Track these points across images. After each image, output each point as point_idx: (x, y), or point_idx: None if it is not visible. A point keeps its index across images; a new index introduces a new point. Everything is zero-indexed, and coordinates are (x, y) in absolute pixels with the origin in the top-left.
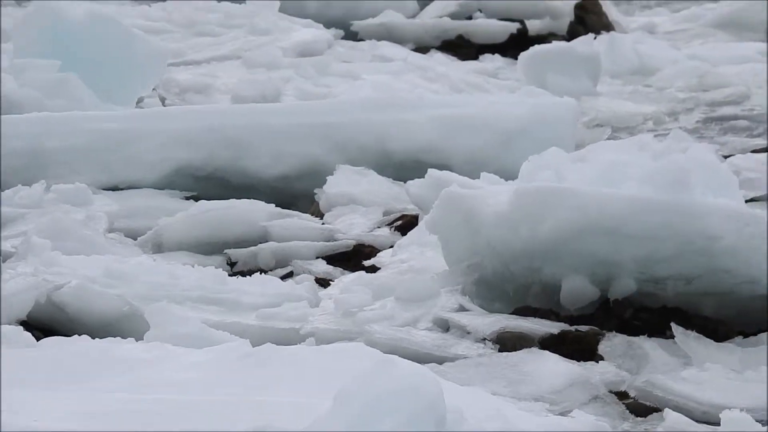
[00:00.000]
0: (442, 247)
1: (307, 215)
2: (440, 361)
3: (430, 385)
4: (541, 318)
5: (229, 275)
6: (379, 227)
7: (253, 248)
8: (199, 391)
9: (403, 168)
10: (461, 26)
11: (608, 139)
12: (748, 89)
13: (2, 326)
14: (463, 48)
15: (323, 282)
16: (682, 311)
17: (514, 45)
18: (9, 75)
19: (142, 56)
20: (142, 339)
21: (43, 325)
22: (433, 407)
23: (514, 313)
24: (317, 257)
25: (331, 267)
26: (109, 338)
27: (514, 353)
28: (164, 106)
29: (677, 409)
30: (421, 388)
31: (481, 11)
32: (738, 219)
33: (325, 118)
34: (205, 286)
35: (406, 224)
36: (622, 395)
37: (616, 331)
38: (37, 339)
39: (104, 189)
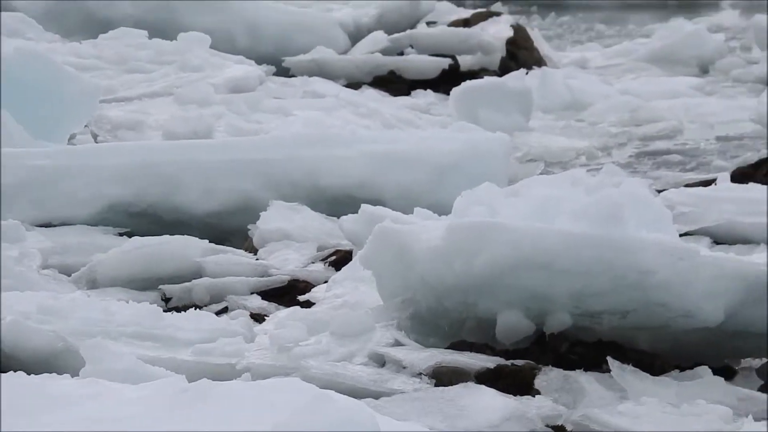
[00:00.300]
0: (376, 282)
1: (241, 251)
2: (376, 395)
3: (367, 420)
4: (477, 352)
5: (164, 311)
6: (313, 262)
7: (187, 284)
8: (137, 427)
9: (337, 203)
10: (393, 62)
11: (541, 174)
12: (680, 123)
13: None
14: (394, 84)
15: (258, 317)
16: (618, 345)
17: (446, 80)
18: None
19: (74, 93)
20: (78, 375)
21: None
22: None
23: (449, 347)
24: (252, 293)
25: (265, 302)
26: (44, 374)
27: (450, 388)
28: (96, 142)
29: None
30: (358, 423)
31: (412, 47)
32: (672, 253)
33: (258, 154)
34: (140, 321)
35: (340, 259)
36: (559, 429)
37: (552, 365)
38: None
39: (37, 225)
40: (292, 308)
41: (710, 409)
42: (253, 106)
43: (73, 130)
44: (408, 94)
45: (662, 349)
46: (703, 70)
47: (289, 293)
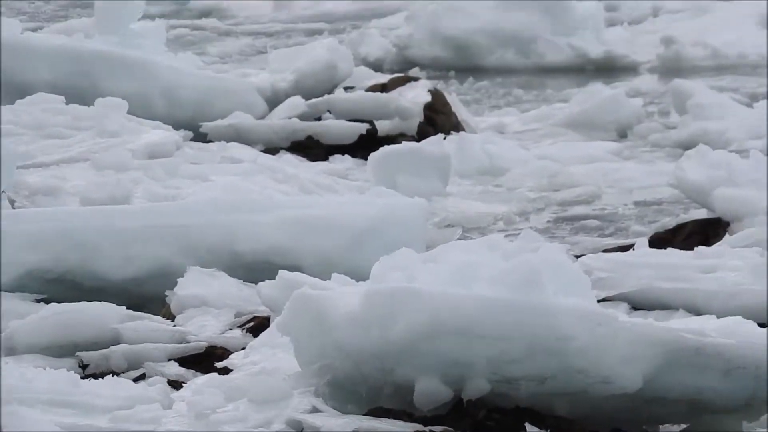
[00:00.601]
0: (293, 348)
1: (159, 317)
2: None
3: None
4: (395, 419)
5: (81, 378)
6: (230, 329)
7: (104, 351)
8: None
9: (254, 269)
10: (310, 127)
11: (459, 239)
12: (598, 189)
13: None
14: (312, 149)
15: (176, 384)
16: (536, 411)
17: (364, 145)
18: None
19: None
20: None
21: None
22: None
23: (367, 414)
24: (169, 359)
25: (183, 369)
26: None
27: None
28: (14, 208)
29: None
30: None
31: (330, 112)
32: (590, 319)
33: (175, 219)
34: (57, 388)
35: (257, 326)
36: None
37: None
38: None
39: None
40: (209, 375)
41: None
42: (171, 171)
43: None
44: (326, 159)
45: (580, 415)
46: (621, 135)
47: (206, 360)
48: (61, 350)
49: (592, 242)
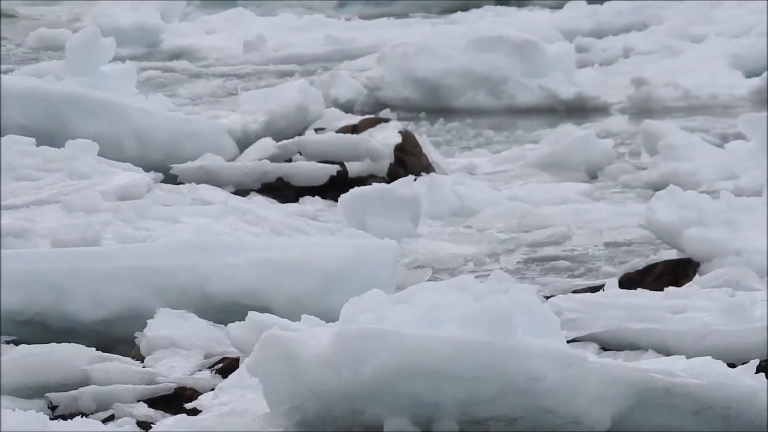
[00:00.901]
0: (263, 389)
1: (128, 359)
2: None
3: None
4: None
5: (51, 419)
6: (200, 370)
7: (74, 392)
8: None
9: (224, 311)
10: (281, 169)
11: (429, 280)
12: (569, 230)
13: None
14: (283, 190)
15: (145, 425)
16: None
17: (334, 187)
18: None
19: None
20: None
21: None
22: None
23: None
24: (138, 400)
25: (152, 410)
26: None
27: None
28: None
29: None
30: None
31: (300, 153)
32: (559, 359)
33: (145, 261)
34: (27, 429)
35: (227, 367)
36: None
37: None
38: None
39: None
40: (178, 416)
41: None
42: (141, 213)
43: None
44: (296, 200)
45: None
46: (592, 176)
47: (175, 401)
48: (30, 391)
49: (562, 283)
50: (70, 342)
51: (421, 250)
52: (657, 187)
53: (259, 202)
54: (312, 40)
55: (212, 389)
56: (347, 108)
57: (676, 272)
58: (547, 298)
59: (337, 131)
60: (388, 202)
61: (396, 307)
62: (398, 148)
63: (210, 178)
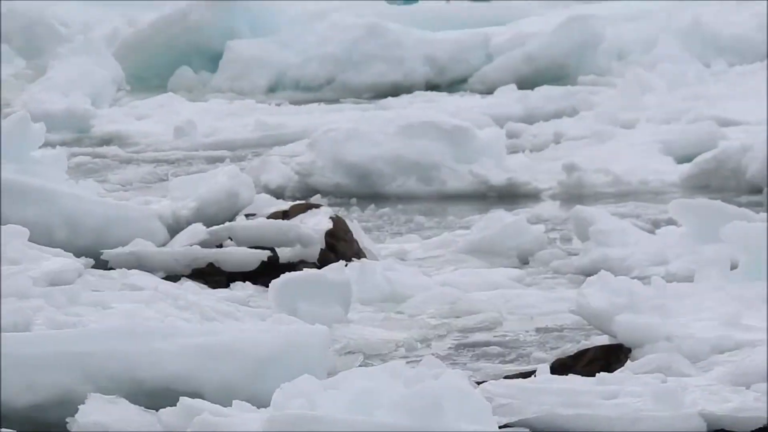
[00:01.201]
0: None
1: None
2: None
3: None
4: None
5: None
6: None
7: None
8: None
9: (155, 396)
10: (211, 254)
11: (360, 366)
12: (500, 315)
13: None
14: (213, 276)
15: None
16: None
17: (265, 273)
18: None
19: None
20: None
21: None
22: None
23: None
24: None
25: None
26: None
27: None
28: None
29: None
30: None
31: (231, 239)
32: None
33: (76, 347)
34: None
35: None
36: None
37: None
38: None
39: None
40: None
41: None
42: (72, 299)
43: None
44: (227, 286)
45: None
46: (523, 262)
47: None
48: None
49: (493, 368)
50: (2, 428)
51: (352, 335)
52: (588, 272)
53: (189, 288)
54: (242, 125)
55: None
56: (278, 194)
57: (608, 358)
58: (479, 383)
59: (268, 217)
60: (318, 287)
61: (327, 393)
62: (329, 234)
63: (141, 264)
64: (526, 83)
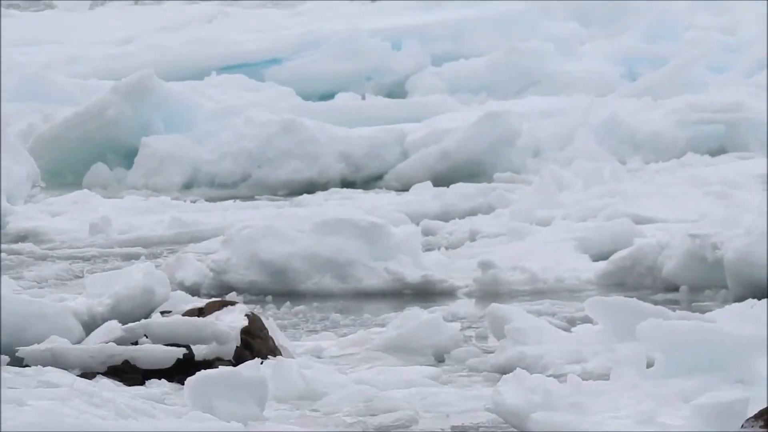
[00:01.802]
0: None
1: None
2: None
3: None
4: None
5: None
6: None
7: None
8: None
9: None
10: (127, 352)
11: None
12: (415, 413)
13: None
14: (129, 373)
15: None
16: None
17: (181, 370)
18: None
19: None
20: None
21: None
22: None
23: None
24: None
25: None
26: None
27: None
28: None
29: None
30: None
31: (147, 336)
32: None
33: None
34: None
35: None
36: None
37: None
38: None
39: None
40: None
41: None
42: None
43: None
44: (142, 383)
45: None
46: (439, 359)
47: None
48: None
49: None
50: None
51: None
52: (504, 370)
53: (105, 385)
54: (157, 222)
55: None
56: (193, 291)
57: None
58: None
59: (184, 314)
60: (234, 385)
61: None
62: (244, 331)
63: (56, 361)
64: (441, 180)
